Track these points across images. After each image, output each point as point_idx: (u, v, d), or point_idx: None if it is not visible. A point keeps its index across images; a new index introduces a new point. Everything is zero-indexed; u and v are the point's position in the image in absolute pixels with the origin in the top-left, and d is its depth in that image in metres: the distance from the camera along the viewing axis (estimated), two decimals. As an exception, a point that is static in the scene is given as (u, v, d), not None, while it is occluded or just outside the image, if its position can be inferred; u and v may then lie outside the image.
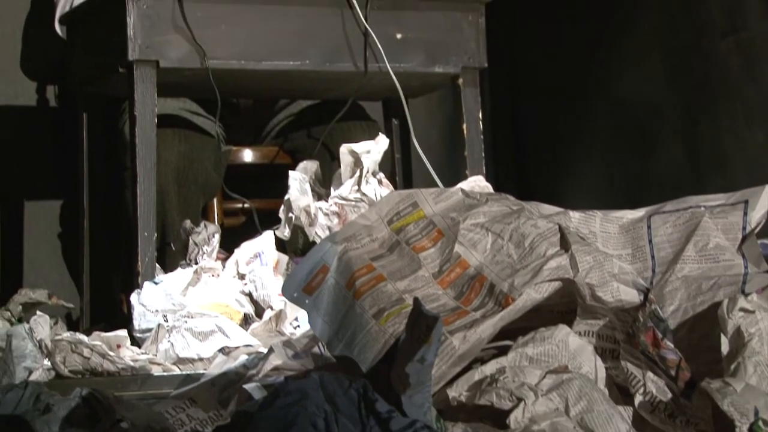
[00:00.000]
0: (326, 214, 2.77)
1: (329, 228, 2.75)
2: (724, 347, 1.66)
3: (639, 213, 1.87)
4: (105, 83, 3.00)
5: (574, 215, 1.86)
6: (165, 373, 2.31)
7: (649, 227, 1.84)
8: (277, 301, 2.62)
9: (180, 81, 2.89)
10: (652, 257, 1.82)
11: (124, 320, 2.68)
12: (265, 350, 2.16)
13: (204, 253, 2.79)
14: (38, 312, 2.44)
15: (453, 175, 3.09)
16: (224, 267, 2.75)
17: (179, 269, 2.74)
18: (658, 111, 3.72)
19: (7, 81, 3.63)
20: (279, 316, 2.56)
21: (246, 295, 2.68)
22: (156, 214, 2.80)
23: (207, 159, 3.13)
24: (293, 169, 2.91)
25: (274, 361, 2.05)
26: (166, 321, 2.47)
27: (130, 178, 2.81)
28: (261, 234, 2.78)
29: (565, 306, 1.79)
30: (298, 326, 2.52)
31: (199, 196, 3.13)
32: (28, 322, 2.36)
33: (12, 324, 2.56)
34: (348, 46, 2.93)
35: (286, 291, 1.80)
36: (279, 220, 2.81)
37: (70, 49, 3.15)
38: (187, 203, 3.09)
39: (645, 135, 3.77)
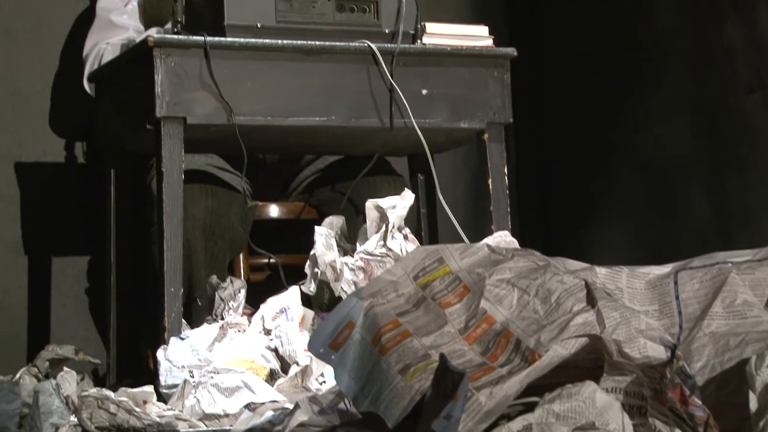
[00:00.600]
0: (352, 270, 2.78)
1: (355, 283, 2.75)
2: (753, 404, 1.64)
3: (666, 269, 1.87)
4: (133, 140, 3.02)
5: (601, 271, 1.86)
6: (191, 429, 2.31)
7: (676, 283, 1.84)
8: (303, 356, 2.61)
9: (207, 137, 2.91)
10: (679, 313, 1.81)
11: (151, 376, 2.69)
12: (291, 406, 2.16)
13: (230, 308, 2.80)
14: (65, 368, 2.45)
15: (479, 230, 3.09)
16: (250, 322, 2.75)
17: (205, 325, 2.75)
18: (685, 167, 3.72)
19: (37, 139, 3.66)
20: (305, 371, 2.55)
21: (272, 350, 2.68)
22: (183, 270, 2.81)
23: (234, 214, 3.14)
24: (319, 224, 2.92)
25: (300, 417, 2.04)
26: (192, 377, 2.46)
27: (157, 234, 2.82)
28: (287, 289, 2.79)
29: (592, 362, 1.79)
30: (324, 382, 2.52)
31: (225, 252, 3.14)
32: (55, 378, 2.36)
33: (39, 380, 2.57)
34: (374, 102, 2.94)
35: (312, 346, 1.80)
36: (305, 276, 2.81)
37: (98, 107, 3.17)
38: (213, 259, 3.10)
39: (672, 191, 3.76)
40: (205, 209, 3.07)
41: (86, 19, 3.54)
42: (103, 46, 3.33)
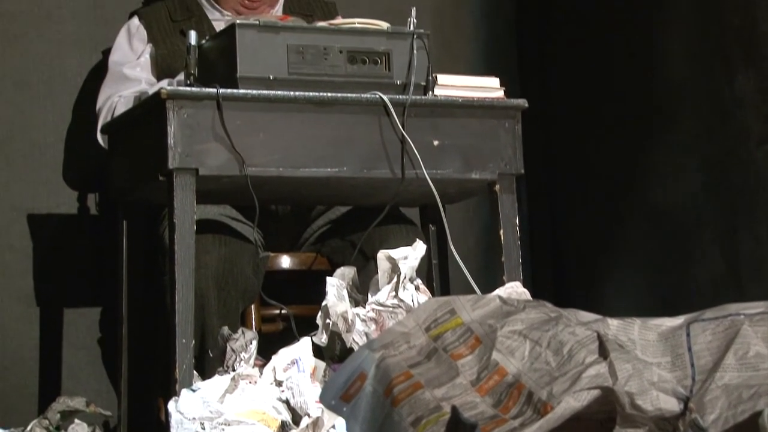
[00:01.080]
0: (364, 321, 2.77)
1: (367, 334, 2.74)
2: (767, 457, 1.63)
3: (678, 321, 1.86)
4: (145, 191, 3.03)
5: (613, 322, 1.85)
6: (202, 482, 2.30)
7: (688, 335, 1.83)
8: (314, 408, 2.61)
9: (219, 188, 2.92)
10: (692, 365, 1.81)
11: (162, 428, 2.68)
12: (302, 458, 2.15)
13: (242, 359, 2.79)
14: (76, 420, 2.45)
15: (490, 281, 3.09)
16: (262, 374, 2.74)
17: (217, 376, 2.74)
18: (698, 218, 3.72)
19: (50, 190, 3.68)
20: (316, 423, 2.55)
21: (283, 402, 2.67)
22: (195, 319, 2.80)
23: (246, 264, 3.15)
24: (331, 275, 2.91)
25: (312, 469, 2.04)
26: (204, 428, 2.46)
27: (169, 285, 2.82)
28: (298, 340, 2.78)
29: (604, 414, 1.78)
30: (336, 434, 2.51)
31: (238, 301, 3.14)
32: (66, 431, 2.36)
33: (50, 432, 2.56)
34: (385, 153, 2.95)
35: (323, 398, 1.80)
36: (316, 327, 2.81)
37: (111, 158, 3.19)
38: (226, 308, 3.09)
39: (684, 242, 3.76)
40: (218, 258, 3.08)
41: (99, 71, 3.57)
42: (115, 99, 3.35)
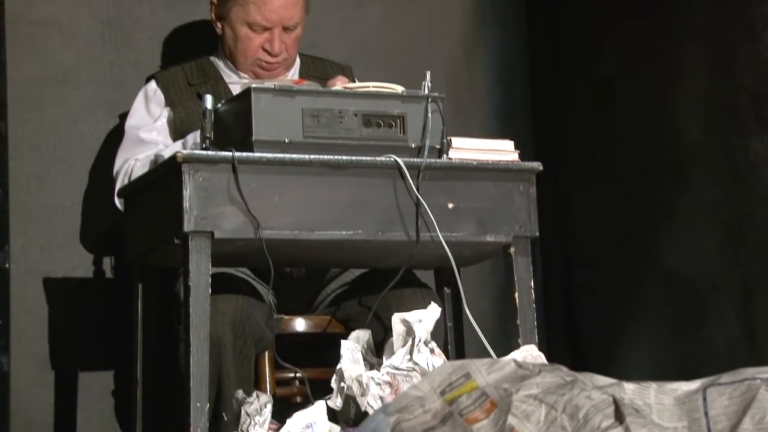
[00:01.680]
0: (378, 384, 2.77)
1: (381, 398, 2.73)
2: None
3: (694, 385, 1.85)
4: (160, 254, 3.03)
5: (629, 387, 1.84)
6: None
7: (704, 399, 1.82)
8: (329, 472, 2.59)
9: (234, 251, 2.93)
10: (708, 430, 1.80)
11: (176, 492, 2.67)
12: None
13: (256, 423, 2.78)
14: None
15: (506, 344, 3.08)
16: (276, 438, 2.73)
17: (231, 440, 2.73)
18: (713, 282, 3.71)
19: (66, 254, 3.69)
20: (331, 488, 2.53)
21: (298, 466, 2.66)
22: (210, 367, 2.80)
23: (261, 315, 3.14)
24: (345, 338, 2.91)
25: None
26: (218, 493, 2.45)
27: (183, 348, 2.81)
28: (313, 404, 2.77)
29: (620, 479, 1.77)
30: (351, 498, 2.50)
31: (252, 351, 3.13)
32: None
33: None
34: (400, 216, 2.95)
35: (338, 463, 1.79)
36: (331, 390, 2.80)
37: (127, 222, 3.20)
38: (242, 356, 3.08)
39: (700, 306, 3.74)
40: (235, 306, 3.07)
41: (116, 135, 3.59)
42: (132, 162, 3.37)
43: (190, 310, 2.79)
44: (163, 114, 3.47)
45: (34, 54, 3.75)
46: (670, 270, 3.87)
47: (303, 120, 2.91)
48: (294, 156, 2.88)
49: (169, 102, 3.48)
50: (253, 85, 2.90)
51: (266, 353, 3.19)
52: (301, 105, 2.91)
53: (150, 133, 3.43)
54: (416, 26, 4.23)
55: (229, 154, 2.82)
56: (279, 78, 3.48)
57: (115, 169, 3.42)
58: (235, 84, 3.50)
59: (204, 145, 2.87)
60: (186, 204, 2.79)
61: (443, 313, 3.17)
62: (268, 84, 2.93)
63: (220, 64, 3.57)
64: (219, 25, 3.53)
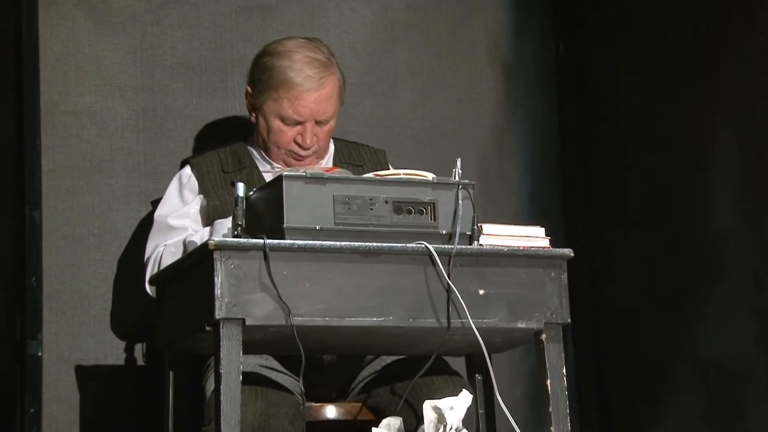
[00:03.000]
0: (410, 472, 2.74)
1: (413, 486, 2.71)
2: None
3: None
4: (191, 341, 3.03)
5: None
6: None
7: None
8: None
9: (264, 338, 2.92)
10: None
11: None
12: None
13: None
14: None
15: (538, 430, 3.05)
16: None
17: None
18: (747, 370, 3.67)
19: (97, 341, 3.70)
20: None
21: None
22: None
23: (284, 416, 3.12)
24: (377, 425, 2.89)
25: None
26: None
27: (214, 438, 2.80)
28: (344, 492, 2.76)
29: None
30: None
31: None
32: None
33: None
34: (431, 302, 2.95)
35: None
36: (363, 478, 2.78)
37: (159, 309, 3.21)
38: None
39: (733, 393, 3.71)
40: (253, 411, 3.05)
41: (148, 223, 3.61)
42: (161, 249, 3.39)
43: (221, 398, 2.78)
44: (195, 201, 3.49)
45: (68, 143, 3.79)
46: (704, 358, 3.84)
47: (334, 207, 2.92)
48: (325, 243, 2.88)
49: (202, 190, 3.50)
50: (285, 173, 2.92)
51: (296, 444, 3.17)
52: (332, 192, 2.93)
53: (180, 219, 3.45)
54: (447, 113, 4.26)
55: (261, 241, 2.82)
56: (311, 166, 3.51)
57: (146, 256, 3.44)
58: (268, 173, 3.52)
59: (236, 233, 2.89)
60: (217, 291, 2.79)
61: (475, 400, 3.15)
62: (300, 172, 2.95)
63: (254, 152, 3.60)
64: (253, 114, 3.57)
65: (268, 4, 4.07)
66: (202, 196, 3.49)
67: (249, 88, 3.57)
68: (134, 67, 3.89)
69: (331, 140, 3.65)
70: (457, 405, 2.81)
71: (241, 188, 2.94)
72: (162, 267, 3.31)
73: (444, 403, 2.81)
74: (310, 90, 3.45)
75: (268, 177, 3.47)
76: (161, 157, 3.87)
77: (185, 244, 3.33)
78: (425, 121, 4.23)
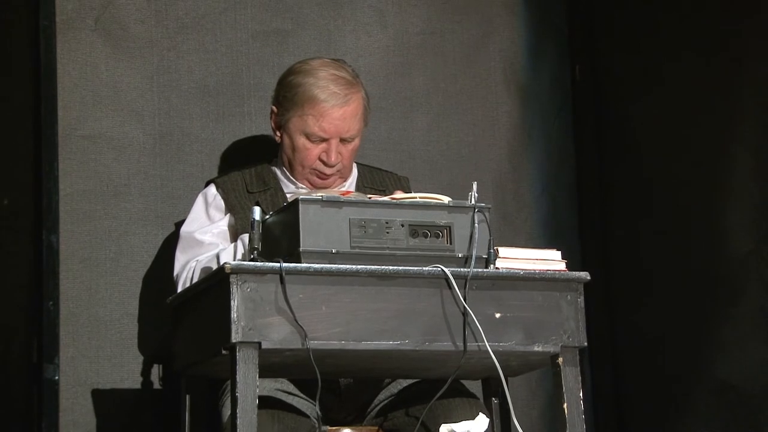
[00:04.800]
0: (427, 496, 2.74)
1: None
2: None
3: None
4: (208, 365, 3.04)
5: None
6: None
7: None
8: None
9: (280, 361, 2.92)
10: None
11: None
12: None
13: None
14: None
15: (555, 455, 3.05)
16: None
17: None
18: (765, 391, 3.66)
19: (114, 365, 3.70)
20: None
21: None
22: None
23: (301, 436, 3.12)
24: (393, 449, 2.89)
25: None
26: None
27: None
28: None
29: None
30: None
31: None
32: None
33: None
34: (447, 326, 2.95)
35: None
36: (379, 502, 2.77)
37: (175, 332, 3.21)
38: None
39: (752, 416, 3.69)
40: (267, 436, 3.06)
41: (166, 247, 3.63)
42: (193, 264, 3.39)
43: (237, 422, 2.78)
44: (223, 219, 3.49)
45: (85, 168, 3.80)
46: (721, 380, 3.83)
47: (350, 230, 2.93)
48: (341, 266, 2.88)
49: (229, 208, 3.50)
50: (301, 197, 2.92)
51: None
52: (348, 215, 2.93)
53: (208, 235, 3.45)
54: (463, 137, 4.26)
55: (277, 265, 2.83)
56: (333, 188, 3.51)
57: (175, 272, 3.43)
58: (293, 194, 3.52)
59: (252, 256, 2.89)
60: (234, 314, 2.79)
61: (491, 423, 3.14)
62: (316, 196, 2.95)
63: (279, 173, 3.60)
64: (278, 133, 3.57)
65: (284, 29, 4.09)
66: (230, 214, 3.49)
67: (274, 108, 3.58)
68: (151, 91, 3.91)
69: (354, 165, 3.65)
70: (474, 428, 2.81)
71: (257, 212, 2.95)
72: (195, 282, 3.30)
73: (460, 426, 2.81)
74: (335, 106, 3.46)
75: (292, 198, 3.47)
76: (178, 181, 3.88)
77: (218, 258, 3.33)
78: (441, 144, 4.23)
